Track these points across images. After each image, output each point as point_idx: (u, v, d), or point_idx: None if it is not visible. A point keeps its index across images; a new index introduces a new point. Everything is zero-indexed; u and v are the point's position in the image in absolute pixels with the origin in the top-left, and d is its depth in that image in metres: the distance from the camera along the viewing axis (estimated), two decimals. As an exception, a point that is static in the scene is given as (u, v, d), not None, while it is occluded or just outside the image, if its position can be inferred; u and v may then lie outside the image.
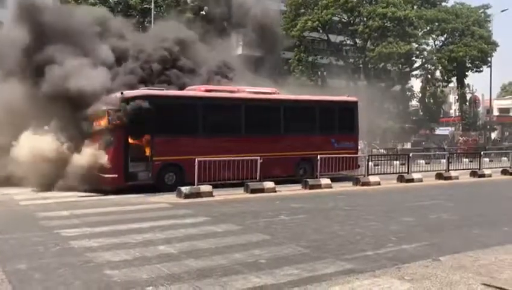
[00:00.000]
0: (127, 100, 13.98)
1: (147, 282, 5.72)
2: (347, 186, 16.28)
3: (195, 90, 16.53)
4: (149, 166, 14.70)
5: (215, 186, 13.64)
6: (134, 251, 7.19)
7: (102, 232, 8.56)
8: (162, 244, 7.62)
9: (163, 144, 14.75)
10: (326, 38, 41.75)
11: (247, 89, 17.37)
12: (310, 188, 15.22)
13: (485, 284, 5.47)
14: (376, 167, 19.05)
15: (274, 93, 17.81)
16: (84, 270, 6.25)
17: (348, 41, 41.91)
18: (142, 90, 15.09)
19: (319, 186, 15.40)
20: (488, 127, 56.29)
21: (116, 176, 13.92)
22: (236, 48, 31.76)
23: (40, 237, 8.13)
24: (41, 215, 10.29)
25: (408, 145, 38.38)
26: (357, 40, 41.19)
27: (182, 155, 14.74)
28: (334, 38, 41.96)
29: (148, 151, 14.78)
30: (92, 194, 13.67)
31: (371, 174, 17.24)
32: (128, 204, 12.19)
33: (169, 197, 13.14)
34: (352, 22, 40.24)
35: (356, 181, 16.62)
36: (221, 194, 13.43)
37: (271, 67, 25.35)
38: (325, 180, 15.73)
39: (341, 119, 18.68)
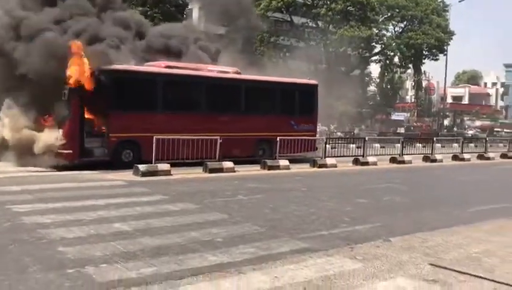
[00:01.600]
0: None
1: (101, 259, 5.65)
2: (305, 168, 16.52)
3: (155, 66, 16.21)
4: (105, 142, 14.41)
5: (173, 165, 13.53)
6: (88, 228, 7.07)
7: (55, 208, 8.37)
8: (117, 222, 7.53)
9: (120, 120, 14.46)
10: (289, 19, 41.73)
11: (208, 67, 17.19)
12: (268, 169, 15.35)
13: (431, 265, 5.72)
14: (333, 150, 19.39)
15: (236, 72, 17.71)
16: (36, 247, 6.11)
17: (311, 24, 42.03)
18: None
19: (277, 167, 15.55)
20: (442, 114, 58.24)
21: (71, 151, 13.58)
22: (199, 25, 31.21)
23: (-11, 213, 7.87)
24: (-9, 190, 9.94)
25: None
26: (320, 23, 41.37)
27: (139, 132, 14.51)
28: (297, 20, 42.00)
29: (104, 127, 14.46)
30: (46, 169, 13.29)
31: (328, 157, 17.54)
32: (82, 181, 11.93)
33: (126, 175, 12.94)
34: (315, 4, 40.32)
35: (313, 163, 16.87)
36: (179, 173, 13.35)
37: (236, 46, 24.99)
38: (284, 162, 15.90)
39: (301, 102, 18.84)
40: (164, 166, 13.25)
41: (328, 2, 39.04)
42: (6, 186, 10.57)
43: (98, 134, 14.43)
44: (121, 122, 14.46)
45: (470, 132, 48.92)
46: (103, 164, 14.08)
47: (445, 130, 50.73)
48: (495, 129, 55.97)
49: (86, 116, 14.23)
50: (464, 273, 5.42)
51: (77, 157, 13.76)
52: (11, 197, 9.31)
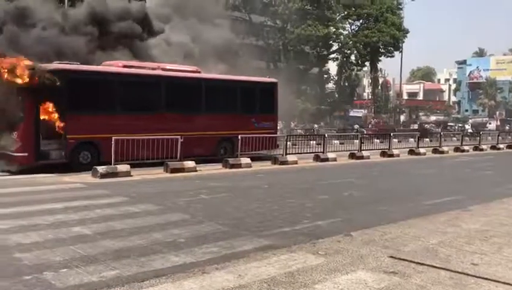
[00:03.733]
0: (39, 74, 13.15)
1: (60, 264, 5.51)
2: (266, 165, 16.60)
3: (112, 65, 15.90)
4: (63, 144, 14.03)
5: (133, 166, 13.33)
6: (46, 233, 6.87)
7: (11, 213, 8.08)
8: (77, 226, 7.36)
9: (78, 121, 14.11)
10: (248, 18, 41.79)
11: (168, 66, 17.02)
12: (230, 167, 15.35)
13: (391, 257, 5.88)
14: (294, 147, 19.59)
15: (195, 71, 17.60)
16: (-9, 254, 5.89)
17: (269, 23, 42.26)
18: (56, 64, 14.25)
19: (239, 165, 15.56)
20: (398, 110, 59.83)
21: (27, 154, 13.14)
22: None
23: None
24: None
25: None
26: (278, 22, 41.64)
27: (98, 133, 14.21)
28: (256, 18, 42.14)
29: (61, 129, 14.07)
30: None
31: (289, 154, 17.71)
32: (39, 184, 11.58)
33: (85, 177, 12.65)
34: (273, 3, 40.55)
35: (275, 160, 17.00)
36: (140, 174, 13.15)
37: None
38: (245, 160, 15.93)
39: (261, 100, 18.96)
40: (124, 167, 13.03)
41: (286, 1, 39.31)
42: (-44, 192, 10.14)
43: (54, 136, 14.02)
44: (78, 124, 14.11)
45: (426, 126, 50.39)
46: (60, 166, 13.71)
47: (401, 126, 52.07)
48: (448, 124, 57.96)
49: (42, 117, 13.79)
50: (422, 264, 5.61)
51: (33, 160, 13.33)
52: (-38, 203, 8.94)
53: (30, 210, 8.40)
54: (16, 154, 13.04)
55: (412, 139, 26.72)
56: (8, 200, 9.28)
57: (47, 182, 11.92)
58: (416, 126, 48.59)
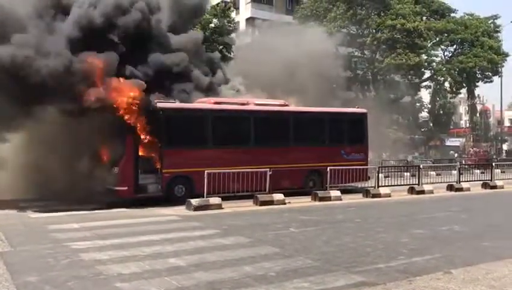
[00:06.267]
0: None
1: (156, 295, 5.71)
2: (357, 198, 16.19)
3: (204, 102, 16.60)
4: (159, 178, 14.73)
5: (224, 199, 13.64)
6: (144, 264, 7.19)
7: (112, 244, 8.58)
8: (172, 257, 7.62)
9: (173, 156, 14.80)
10: (335, 50, 41.81)
11: (256, 101, 17.42)
12: (319, 200, 15.16)
13: (498, 298, 5.40)
14: (386, 179, 18.95)
15: (283, 105, 17.83)
16: (95, 283, 6.26)
17: (356, 53, 41.91)
18: (155, 102, 15.14)
19: (328, 198, 15.32)
20: (499, 138, 55.99)
21: (126, 188, 13.96)
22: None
23: (50, 250, 8.16)
24: (51, 228, 10.34)
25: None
26: (366, 52, 41.20)
27: (191, 167, 14.78)
28: (343, 50, 42.03)
29: (157, 164, 14.83)
30: (101, 206, 13.70)
31: (381, 186, 17.15)
32: (137, 217, 12.21)
33: (179, 210, 13.15)
34: (361, 33, 40.30)
35: (366, 193, 16.53)
36: (230, 206, 13.42)
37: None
38: (335, 192, 15.66)
39: (350, 131, 18.67)
40: (215, 200, 13.39)
41: (374, 31, 38.89)
42: (65, 223, 10.98)
43: (151, 170, 14.78)
44: (174, 158, 14.78)
45: None
46: (156, 199, 14.37)
47: (504, 155, 48.51)
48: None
49: (140, 153, 14.64)
50: (535, 307, 5.08)
51: (132, 194, 14.12)
52: (69, 234, 9.66)
53: (129, 242, 8.85)
54: (116, 188, 13.90)
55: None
56: (110, 232, 9.87)
57: (144, 215, 12.54)
58: None
